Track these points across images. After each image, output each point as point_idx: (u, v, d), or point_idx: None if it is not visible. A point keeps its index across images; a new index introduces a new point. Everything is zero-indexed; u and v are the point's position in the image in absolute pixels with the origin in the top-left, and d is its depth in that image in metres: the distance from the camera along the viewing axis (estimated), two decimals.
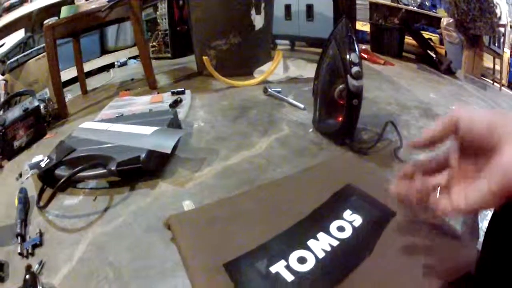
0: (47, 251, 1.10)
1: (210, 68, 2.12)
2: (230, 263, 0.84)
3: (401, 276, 0.77)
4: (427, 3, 2.41)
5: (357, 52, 1.21)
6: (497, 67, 2.09)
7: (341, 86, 1.27)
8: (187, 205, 1.16)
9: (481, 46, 2.08)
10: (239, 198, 1.11)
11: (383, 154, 1.28)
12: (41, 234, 1.15)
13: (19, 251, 1.10)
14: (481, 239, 0.82)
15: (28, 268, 0.99)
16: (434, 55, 2.22)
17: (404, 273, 0.77)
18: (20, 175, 1.52)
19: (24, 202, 1.29)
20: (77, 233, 1.14)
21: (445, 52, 2.28)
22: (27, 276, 0.94)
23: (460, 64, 2.17)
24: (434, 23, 2.38)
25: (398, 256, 0.81)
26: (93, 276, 0.98)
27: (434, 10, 2.39)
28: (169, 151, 1.27)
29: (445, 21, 2.17)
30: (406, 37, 2.49)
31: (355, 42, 1.22)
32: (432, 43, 2.34)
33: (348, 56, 1.19)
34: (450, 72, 2.12)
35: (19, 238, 1.14)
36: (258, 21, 2.27)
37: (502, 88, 2.02)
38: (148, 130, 1.39)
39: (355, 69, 1.18)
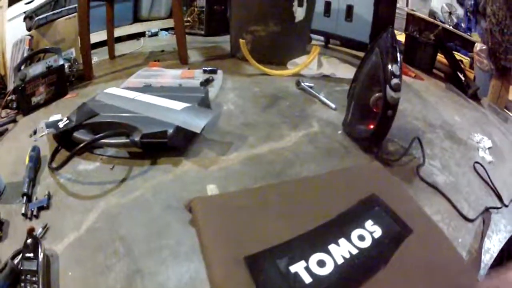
0: (54, 216, 1.03)
1: (246, 52, 2.05)
2: (252, 257, 0.82)
3: None
4: (462, 25, 2.39)
5: (399, 64, 1.17)
6: None
7: (377, 95, 1.23)
8: (211, 189, 1.09)
9: (509, 79, 2.04)
10: (266, 191, 1.07)
11: (406, 169, 1.24)
12: (49, 197, 1.08)
13: (23, 211, 1.03)
14: (482, 271, 0.89)
15: (31, 231, 0.91)
16: (463, 78, 2.15)
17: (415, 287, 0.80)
18: (35, 132, 1.45)
19: (35, 161, 1.22)
20: (89, 200, 1.07)
21: (474, 77, 2.24)
22: (28, 240, 0.87)
23: (487, 92, 2.12)
24: (467, 45, 2.36)
25: (409, 272, 0.83)
26: (101, 249, 0.91)
27: (468, 33, 2.38)
28: (199, 131, 1.22)
29: (478, 46, 2.10)
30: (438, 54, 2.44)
31: (398, 54, 1.18)
32: (462, 66, 2.28)
33: (390, 67, 1.16)
34: (475, 98, 2.05)
35: (24, 197, 1.07)
36: (299, 13, 2.20)
37: None
38: (178, 105, 1.33)
39: (395, 80, 1.14)
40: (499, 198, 1.20)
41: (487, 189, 1.23)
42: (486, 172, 1.28)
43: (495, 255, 0.94)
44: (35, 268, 0.82)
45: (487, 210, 1.12)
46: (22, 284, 0.80)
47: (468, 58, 2.36)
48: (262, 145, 1.33)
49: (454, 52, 2.33)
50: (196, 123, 1.22)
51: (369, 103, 1.27)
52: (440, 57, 2.36)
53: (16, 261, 0.86)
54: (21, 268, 0.83)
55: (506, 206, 1.17)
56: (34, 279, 0.81)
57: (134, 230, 0.96)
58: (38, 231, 0.96)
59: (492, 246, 1.01)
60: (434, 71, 2.38)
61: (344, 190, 1.08)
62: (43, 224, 0.99)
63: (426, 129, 1.51)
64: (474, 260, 0.93)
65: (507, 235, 1.06)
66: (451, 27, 2.39)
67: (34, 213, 1.03)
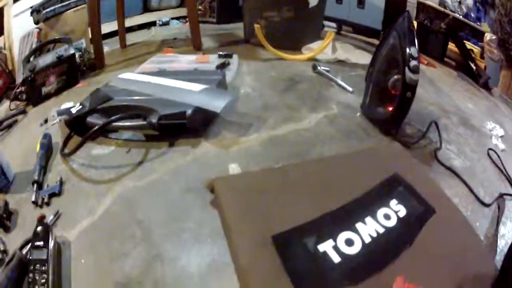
0: (66, 202, 0.98)
1: (261, 37, 2.01)
2: (279, 235, 0.81)
3: (434, 272, 0.78)
4: (472, 15, 2.34)
5: (417, 47, 1.17)
6: None
7: (396, 77, 1.23)
8: (233, 168, 1.05)
9: None
10: (290, 170, 1.04)
11: (424, 152, 1.23)
12: (61, 183, 1.03)
13: (33, 199, 0.98)
14: (498, 257, 0.87)
15: (41, 218, 0.85)
16: (474, 67, 2.14)
17: (436, 269, 0.78)
18: (46, 121, 1.40)
19: (47, 149, 1.17)
20: (104, 184, 1.02)
21: (485, 66, 2.20)
22: (39, 228, 0.82)
23: (497, 82, 2.09)
24: (477, 35, 2.31)
25: (432, 253, 0.82)
26: (117, 234, 0.86)
27: (478, 23, 2.32)
28: (219, 111, 1.17)
29: (488, 36, 2.08)
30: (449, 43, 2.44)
31: (415, 37, 1.19)
32: (473, 55, 2.26)
33: (408, 49, 1.16)
34: (486, 87, 2.04)
35: (35, 185, 1.02)
36: None
37: None
38: (196, 87, 1.30)
39: (413, 62, 1.14)
40: None
41: (500, 176, 1.21)
42: (500, 159, 1.27)
43: (510, 241, 0.90)
44: (44, 257, 0.78)
45: (501, 196, 1.11)
46: (31, 274, 0.75)
47: (479, 48, 2.32)
48: (282, 126, 1.29)
49: (464, 41, 2.33)
50: (216, 103, 1.19)
51: (387, 86, 1.27)
52: (451, 46, 2.36)
53: (24, 251, 0.81)
54: (30, 257, 0.78)
55: None
56: (43, 268, 0.76)
57: (152, 213, 0.91)
58: (49, 218, 0.91)
59: (507, 232, 0.99)
60: (445, 59, 2.39)
61: (367, 169, 1.06)
62: (54, 211, 0.94)
63: (441, 115, 1.49)
64: (490, 244, 0.92)
65: None
66: (461, 17, 2.34)
67: (45, 200, 0.98)
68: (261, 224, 0.83)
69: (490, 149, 1.30)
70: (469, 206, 1.02)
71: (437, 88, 1.81)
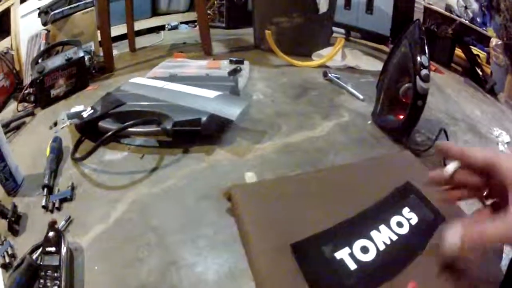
0: (78, 207, 0.96)
1: (272, 43, 2.01)
2: (298, 244, 0.81)
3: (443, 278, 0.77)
4: (478, 19, 2.33)
5: (427, 56, 1.19)
6: None
7: (407, 85, 1.25)
8: (250, 177, 1.04)
9: None
10: (305, 178, 1.05)
11: (433, 159, 1.23)
12: (73, 188, 1.02)
13: (43, 203, 0.96)
14: (504, 261, 0.86)
15: (53, 223, 0.83)
16: (480, 73, 2.15)
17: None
18: (55, 124, 1.39)
19: (57, 152, 1.16)
20: (117, 190, 1.00)
21: (491, 72, 2.17)
22: (50, 233, 0.80)
23: (503, 87, 2.06)
24: (483, 40, 2.28)
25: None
26: (132, 240, 0.85)
27: (484, 28, 2.29)
28: (234, 118, 1.17)
29: (494, 41, 2.06)
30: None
31: (426, 46, 1.20)
32: (479, 60, 2.27)
33: (419, 58, 1.18)
34: (493, 92, 2.04)
35: (45, 189, 1.00)
36: (323, 4, 2.17)
37: None
38: (211, 93, 1.29)
39: (424, 71, 1.16)
40: None
41: None
42: None
43: None
44: (56, 263, 0.75)
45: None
46: (42, 281, 0.73)
47: (485, 53, 2.31)
48: (295, 134, 1.29)
49: (470, 46, 2.33)
50: (231, 110, 1.19)
51: (398, 94, 1.29)
52: (457, 51, 2.37)
53: (34, 256, 0.79)
54: (41, 263, 0.76)
55: None
56: (55, 274, 0.74)
57: (167, 220, 0.90)
58: (61, 223, 0.89)
59: None
60: (452, 65, 2.40)
61: (380, 177, 1.06)
62: (66, 216, 0.92)
63: (450, 122, 1.50)
64: (496, 250, 0.91)
65: None
66: (467, 22, 2.34)
67: (56, 205, 0.96)
68: (279, 231, 0.83)
69: None
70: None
71: (445, 94, 1.82)
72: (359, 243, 0.82)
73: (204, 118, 1.14)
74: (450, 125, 1.46)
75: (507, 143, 1.43)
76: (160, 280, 0.76)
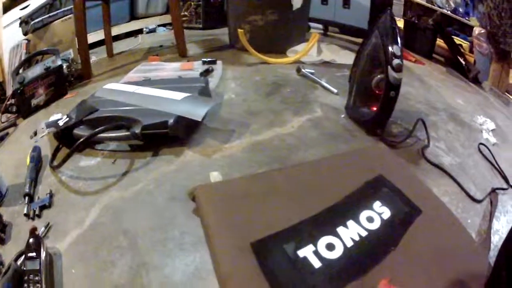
0: (56, 214, 1.01)
1: (244, 41, 2.03)
2: (258, 242, 0.81)
3: (421, 274, 0.78)
4: (460, 10, 2.39)
5: (400, 45, 1.18)
6: None
7: (379, 76, 1.24)
8: (215, 176, 1.06)
9: (509, 62, 2.06)
10: (272, 175, 1.05)
11: (411, 151, 1.24)
12: (51, 195, 1.06)
13: (25, 211, 1.01)
14: (492, 253, 0.86)
15: (33, 231, 0.88)
16: (463, 62, 2.17)
17: (424, 271, 0.78)
18: (35, 134, 1.43)
19: (37, 161, 1.21)
20: (91, 196, 1.05)
21: (474, 61, 2.25)
22: (31, 240, 0.85)
23: (487, 76, 2.14)
24: (465, 30, 2.38)
25: (420, 254, 0.82)
26: (105, 243, 0.89)
27: (466, 18, 2.38)
28: (200, 119, 1.20)
29: (477, 30, 2.14)
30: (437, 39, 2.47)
31: (398, 35, 1.19)
32: (462, 50, 2.31)
33: (391, 48, 1.17)
34: (476, 81, 2.08)
35: (26, 198, 1.05)
36: (297, 0, 2.18)
37: None
38: (178, 95, 1.31)
39: (396, 61, 1.15)
40: (505, 179, 1.20)
41: (492, 170, 1.23)
42: (491, 154, 1.28)
43: (504, 236, 0.91)
44: (37, 268, 0.81)
45: (494, 191, 1.12)
46: (25, 285, 0.79)
47: (468, 42, 2.38)
48: (265, 132, 1.31)
49: (453, 36, 2.36)
50: (197, 111, 1.21)
51: (371, 86, 1.28)
52: (439, 42, 2.38)
53: (19, 262, 0.84)
54: (24, 268, 0.81)
55: None
56: (36, 278, 0.79)
57: (137, 223, 0.94)
58: (41, 230, 0.94)
59: (501, 227, 1.00)
60: (434, 55, 2.42)
61: (351, 172, 1.06)
62: (45, 223, 0.97)
63: (430, 112, 1.51)
64: (483, 241, 0.92)
65: None
66: (449, 12, 2.38)
67: (37, 212, 1.01)
68: (241, 231, 0.83)
69: (481, 144, 1.31)
70: (459, 203, 1.04)
71: (426, 85, 1.83)
72: (324, 240, 0.83)
73: (171, 120, 1.16)
74: (430, 115, 1.47)
75: (492, 130, 1.44)
76: (131, 281, 0.80)
